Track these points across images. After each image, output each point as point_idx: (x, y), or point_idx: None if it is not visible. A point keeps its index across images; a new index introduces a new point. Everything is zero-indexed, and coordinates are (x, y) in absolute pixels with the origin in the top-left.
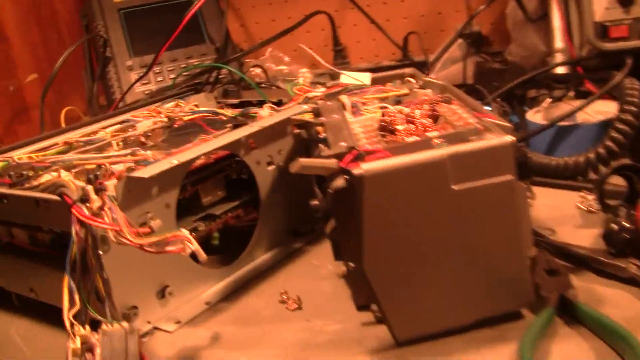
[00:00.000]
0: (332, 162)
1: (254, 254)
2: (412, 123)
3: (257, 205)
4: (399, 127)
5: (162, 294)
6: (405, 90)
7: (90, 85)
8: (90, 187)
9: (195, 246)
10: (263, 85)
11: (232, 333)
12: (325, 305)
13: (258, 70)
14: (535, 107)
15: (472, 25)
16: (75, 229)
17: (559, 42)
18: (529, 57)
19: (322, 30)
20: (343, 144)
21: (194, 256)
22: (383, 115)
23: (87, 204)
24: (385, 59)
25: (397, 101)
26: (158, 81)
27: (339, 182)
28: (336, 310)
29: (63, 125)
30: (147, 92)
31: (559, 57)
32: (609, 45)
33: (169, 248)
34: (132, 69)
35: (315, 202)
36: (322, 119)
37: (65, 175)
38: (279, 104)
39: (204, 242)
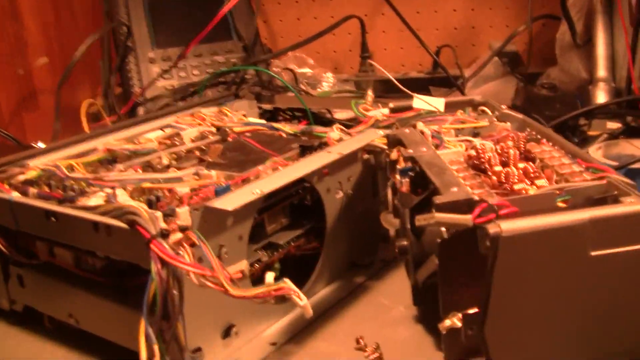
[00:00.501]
0: (467, 219)
1: (315, 287)
2: (507, 165)
3: (319, 234)
4: (495, 169)
5: (226, 333)
6: (485, 122)
7: (107, 75)
8: (159, 214)
9: (304, 302)
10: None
11: None
12: (409, 356)
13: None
14: (593, 144)
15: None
16: (156, 268)
17: (602, 70)
18: (569, 84)
19: (348, 34)
20: (455, 189)
21: None
22: (472, 150)
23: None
24: (412, 70)
25: (475, 133)
26: (181, 77)
27: (484, 244)
28: None
29: (84, 119)
30: (169, 87)
31: (601, 86)
32: None
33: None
34: (154, 62)
35: (404, 243)
36: (410, 151)
37: (121, 197)
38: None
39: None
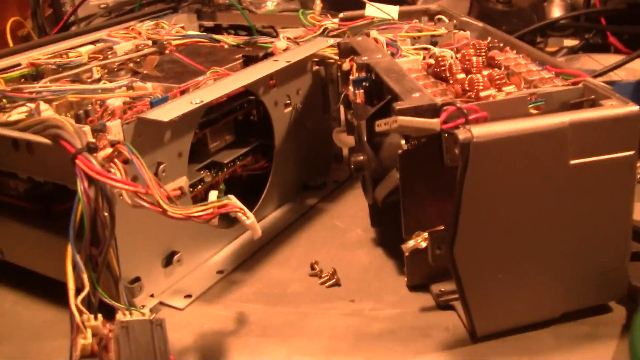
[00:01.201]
0: (435, 123)
1: (264, 209)
2: (471, 72)
3: (267, 153)
4: (458, 76)
5: (168, 261)
6: (443, 30)
7: None
8: (87, 129)
9: (252, 220)
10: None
11: (260, 314)
12: (368, 282)
13: None
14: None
15: None
16: (83, 186)
17: None
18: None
19: None
20: (416, 94)
21: None
22: (428, 59)
23: (95, 154)
24: None
25: (433, 43)
26: None
27: (452, 152)
28: (384, 289)
29: (10, 39)
30: (102, 5)
31: (556, 2)
32: None
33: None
34: None
35: (360, 158)
36: (364, 58)
37: (45, 110)
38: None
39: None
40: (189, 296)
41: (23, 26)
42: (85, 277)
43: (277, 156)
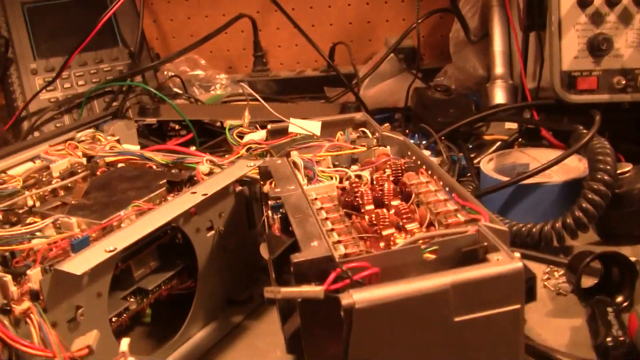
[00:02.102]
0: (318, 292)
1: (190, 329)
2: (381, 201)
3: (192, 273)
4: (367, 207)
5: None
6: (362, 148)
7: None
8: (9, 278)
9: None
10: (182, 98)
11: None
12: None
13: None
14: (485, 154)
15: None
16: None
17: (499, 67)
18: (465, 81)
19: (241, 32)
20: (315, 243)
21: None
22: (344, 184)
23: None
24: (308, 67)
25: (354, 159)
26: (65, 88)
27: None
28: None
29: None
30: (52, 99)
31: (499, 84)
32: (575, 98)
33: None
34: (37, 73)
35: (269, 295)
36: (277, 190)
37: None
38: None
39: (134, 320)
40: None
41: None
42: None
43: (201, 278)
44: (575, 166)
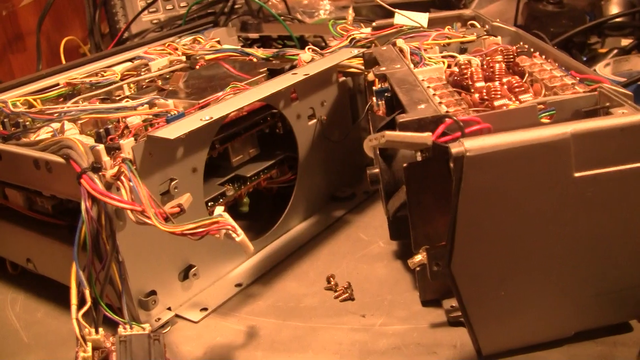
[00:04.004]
0: (425, 137)
1: (289, 222)
2: (492, 80)
3: (293, 166)
4: (477, 85)
5: (185, 275)
6: (472, 37)
7: (91, 12)
8: (101, 147)
9: (241, 237)
10: (284, 18)
11: (271, 328)
12: (383, 296)
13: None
14: (603, 60)
15: None
16: (85, 205)
17: None
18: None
19: None
20: (422, 106)
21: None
22: (454, 66)
23: (101, 172)
24: None
25: (463, 49)
26: (167, 9)
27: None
28: (397, 304)
29: (62, 57)
30: (155, 21)
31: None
32: None
33: (204, 235)
34: None
35: (375, 171)
36: (382, 69)
37: (69, 129)
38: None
39: (231, 208)
40: (205, 309)
41: (79, 45)
42: (87, 292)
43: (302, 168)
44: None
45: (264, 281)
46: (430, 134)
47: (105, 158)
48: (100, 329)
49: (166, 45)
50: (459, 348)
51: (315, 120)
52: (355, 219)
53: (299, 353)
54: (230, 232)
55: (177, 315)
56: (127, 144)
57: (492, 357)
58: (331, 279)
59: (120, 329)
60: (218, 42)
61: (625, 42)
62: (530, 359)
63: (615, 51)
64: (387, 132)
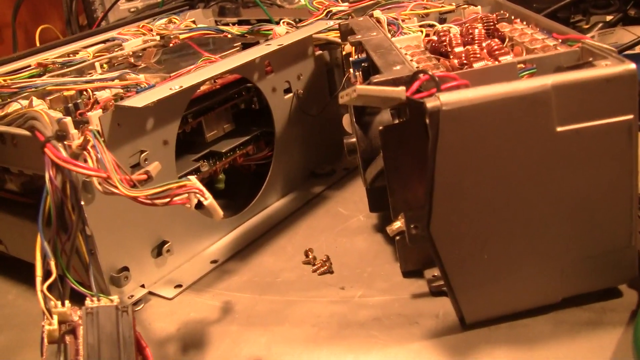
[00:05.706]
0: (399, 91)
1: (266, 199)
2: (471, 44)
3: (270, 142)
4: (456, 50)
5: (159, 251)
6: (451, 7)
7: (68, 2)
8: (68, 120)
9: (209, 200)
10: (263, 3)
11: (247, 303)
12: (362, 268)
13: None
14: (588, 34)
15: None
16: (49, 174)
17: None
18: None
19: None
20: (397, 67)
21: (198, 205)
22: (433, 35)
23: (66, 142)
24: None
25: (442, 19)
26: None
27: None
28: (377, 276)
29: (38, 44)
30: (132, 9)
31: None
32: None
33: (171, 199)
34: None
35: (352, 140)
36: (357, 37)
37: (37, 105)
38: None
39: (207, 185)
40: (179, 286)
41: (57, 37)
42: (52, 264)
43: (279, 144)
44: None
45: (240, 257)
46: (404, 88)
47: (73, 131)
48: (67, 302)
49: (140, 26)
50: (442, 317)
51: (291, 95)
52: (335, 194)
53: (276, 326)
54: (198, 195)
55: (150, 293)
56: (95, 115)
57: (475, 325)
58: (309, 252)
59: (87, 301)
60: (193, 22)
61: (610, 18)
62: (515, 326)
63: (600, 24)
64: (359, 86)
